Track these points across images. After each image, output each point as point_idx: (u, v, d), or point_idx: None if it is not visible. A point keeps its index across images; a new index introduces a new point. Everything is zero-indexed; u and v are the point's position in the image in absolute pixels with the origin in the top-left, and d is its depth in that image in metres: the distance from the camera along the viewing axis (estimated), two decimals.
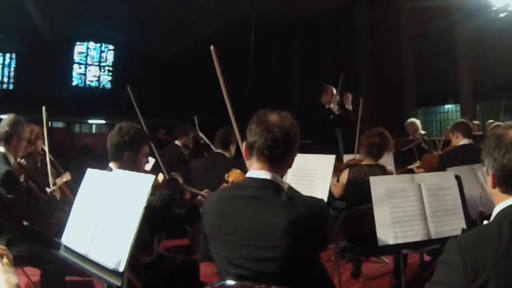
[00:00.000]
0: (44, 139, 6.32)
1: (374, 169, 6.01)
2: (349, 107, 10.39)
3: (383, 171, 5.99)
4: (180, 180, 4.93)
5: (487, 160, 2.46)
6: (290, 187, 3.21)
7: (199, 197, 5.18)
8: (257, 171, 2.88)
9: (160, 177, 4.74)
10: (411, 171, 7.02)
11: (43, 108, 6.00)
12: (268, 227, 2.68)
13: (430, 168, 6.95)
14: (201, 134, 10.94)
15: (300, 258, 2.72)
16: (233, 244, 2.78)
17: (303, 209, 2.71)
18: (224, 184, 4.28)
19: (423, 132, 11.57)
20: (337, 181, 6.39)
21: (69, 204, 4.31)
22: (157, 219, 4.28)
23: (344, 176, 6.20)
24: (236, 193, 2.93)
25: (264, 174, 2.85)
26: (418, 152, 9.49)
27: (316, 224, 2.74)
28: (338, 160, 7.20)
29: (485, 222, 2.53)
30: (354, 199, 5.67)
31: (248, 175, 2.94)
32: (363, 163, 6.26)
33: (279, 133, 2.81)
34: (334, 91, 10.56)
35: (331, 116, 10.51)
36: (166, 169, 5.32)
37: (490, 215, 2.48)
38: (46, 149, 6.17)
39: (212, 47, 4.28)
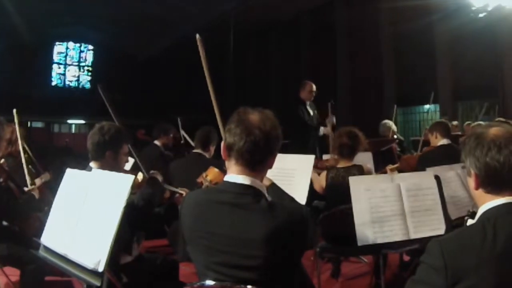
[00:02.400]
0: (18, 141, 6.29)
1: (351, 170, 6.01)
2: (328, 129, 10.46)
3: (360, 171, 6.00)
4: (160, 179, 4.95)
5: (469, 161, 2.45)
6: (273, 184, 3.20)
7: (177, 195, 5.18)
8: (235, 175, 2.83)
9: (140, 176, 4.73)
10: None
11: (14, 110, 5.97)
12: (248, 235, 2.64)
13: (409, 169, 6.95)
14: (184, 135, 10.96)
15: (280, 265, 2.69)
16: (211, 249, 2.75)
17: (284, 217, 2.68)
18: (201, 179, 4.27)
19: (397, 136, 11.63)
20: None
21: (49, 204, 4.30)
22: (139, 218, 4.32)
23: (323, 178, 6.19)
24: (214, 198, 2.87)
25: (243, 179, 2.80)
26: (394, 158, 9.53)
27: (298, 232, 2.71)
28: (318, 157, 7.23)
29: (470, 221, 2.53)
30: (335, 202, 5.65)
31: (226, 178, 2.89)
32: (339, 165, 6.24)
33: (260, 135, 2.74)
34: (314, 87, 10.57)
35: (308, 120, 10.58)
36: (146, 169, 5.32)
37: (474, 213, 2.49)
38: (21, 150, 6.14)
39: (197, 36, 4.24)
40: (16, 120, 6.05)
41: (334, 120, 10.48)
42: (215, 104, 4.36)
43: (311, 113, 10.64)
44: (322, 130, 10.56)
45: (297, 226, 2.71)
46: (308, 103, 10.62)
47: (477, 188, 2.45)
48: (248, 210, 2.72)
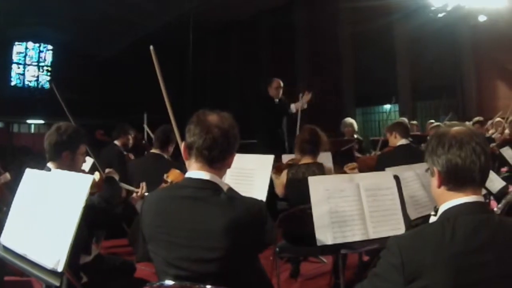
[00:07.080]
0: None
1: (312, 167, 6.01)
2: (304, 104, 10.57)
3: (320, 168, 6.00)
4: (116, 177, 4.92)
5: (431, 160, 2.49)
6: (230, 188, 3.22)
7: (134, 194, 5.16)
8: (196, 171, 2.88)
9: (96, 175, 4.69)
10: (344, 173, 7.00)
11: None
12: (208, 227, 2.68)
13: (367, 169, 6.94)
14: (148, 131, 11.00)
15: (239, 258, 2.73)
16: (172, 244, 2.76)
17: (242, 210, 2.73)
18: (163, 184, 4.28)
19: (357, 136, 11.67)
20: None
21: (7, 204, 4.28)
22: (99, 219, 4.29)
23: (284, 176, 6.18)
24: (175, 194, 2.91)
25: (203, 175, 2.85)
26: (353, 158, 9.53)
27: (255, 225, 2.76)
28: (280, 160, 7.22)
29: (432, 218, 2.56)
30: (295, 199, 5.66)
31: (187, 175, 2.94)
32: (300, 162, 6.22)
33: (218, 133, 2.82)
34: (281, 84, 10.58)
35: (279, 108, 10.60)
36: (103, 168, 5.29)
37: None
38: None
39: (151, 47, 4.28)
40: None
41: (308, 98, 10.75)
42: (171, 112, 4.40)
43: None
44: (293, 107, 10.65)
45: (255, 218, 2.77)
46: (276, 100, 10.61)
47: (439, 186, 2.47)
48: (208, 203, 2.77)
